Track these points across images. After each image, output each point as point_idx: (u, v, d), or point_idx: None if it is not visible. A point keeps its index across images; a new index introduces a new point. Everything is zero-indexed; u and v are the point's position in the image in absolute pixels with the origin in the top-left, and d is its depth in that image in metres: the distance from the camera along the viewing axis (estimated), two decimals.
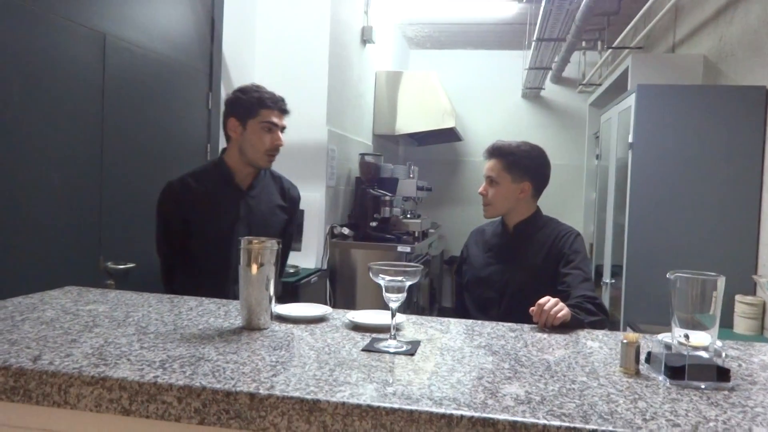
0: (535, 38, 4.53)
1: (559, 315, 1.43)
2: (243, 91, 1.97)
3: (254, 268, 1.31)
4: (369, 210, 3.94)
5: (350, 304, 3.59)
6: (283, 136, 1.99)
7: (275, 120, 1.94)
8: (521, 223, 1.96)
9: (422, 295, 4.51)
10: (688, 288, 1.12)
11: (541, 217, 2.00)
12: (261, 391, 0.93)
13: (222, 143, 3.19)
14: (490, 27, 5.53)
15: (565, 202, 6.04)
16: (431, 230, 5.06)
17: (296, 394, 0.92)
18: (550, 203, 6.94)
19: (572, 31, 4.27)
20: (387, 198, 3.95)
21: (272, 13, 3.71)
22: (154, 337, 1.21)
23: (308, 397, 0.92)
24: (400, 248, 3.71)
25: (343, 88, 4.03)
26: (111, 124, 2.33)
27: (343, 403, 0.90)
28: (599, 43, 5.00)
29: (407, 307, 3.89)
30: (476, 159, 6.34)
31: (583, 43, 5.17)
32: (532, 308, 1.47)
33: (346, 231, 3.81)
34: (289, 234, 2.17)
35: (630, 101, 3.12)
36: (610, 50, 4.80)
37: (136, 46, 2.48)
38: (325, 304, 3.59)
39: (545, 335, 1.38)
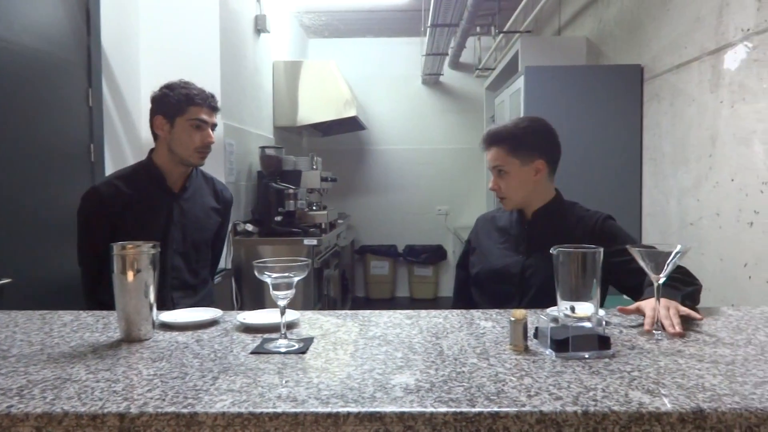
0: (429, 24, 4.58)
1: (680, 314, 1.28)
2: (170, 87, 1.88)
3: (130, 275, 1.22)
4: (273, 204, 3.84)
5: (259, 303, 3.49)
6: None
7: (205, 117, 1.87)
8: (541, 209, 1.75)
9: (333, 287, 4.48)
10: (569, 261, 1.15)
11: (563, 201, 1.79)
12: (132, 410, 0.85)
13: (110, 143, 3.02)
14: (387, 14, 5.54)
15: (469, 186, 6.20)
16: (339, 221, 5.03)
17: (171, 409, 0.86)
18: (456, 187, 7.05)
19: (465, 16, 4.36)
20: (291, 191, 3.86)
21: (156, 2, 3.50)
22: (15, 360, 1.09)
23: (185, 411, 0.85)
24: (306, 241, 3.65)
25: (237, 79, 3.89)
26: None
27: (224, 413, 0.85)
28: (492, 28, 5.13)
29: (318, 300, 3.85)
30: (381, 147, 6.36)
31: (477, 29, 5.29)
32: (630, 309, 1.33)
33: (249, 227, 3.70)
34: (222, 236, 2.13)
35: (519, 83, 3.23)
36: (501, 35, 4.95)
37: None
38: (231, 304, 3.49)
39: (441, 320, 1.38)
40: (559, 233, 1.63)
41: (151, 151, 1.94)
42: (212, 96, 1.92)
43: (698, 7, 2.58)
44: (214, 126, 1.92)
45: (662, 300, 1.27)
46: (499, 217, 1.88)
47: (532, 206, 1.76)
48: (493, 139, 1.72)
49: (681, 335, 1.20)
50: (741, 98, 2.28)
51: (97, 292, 1.84)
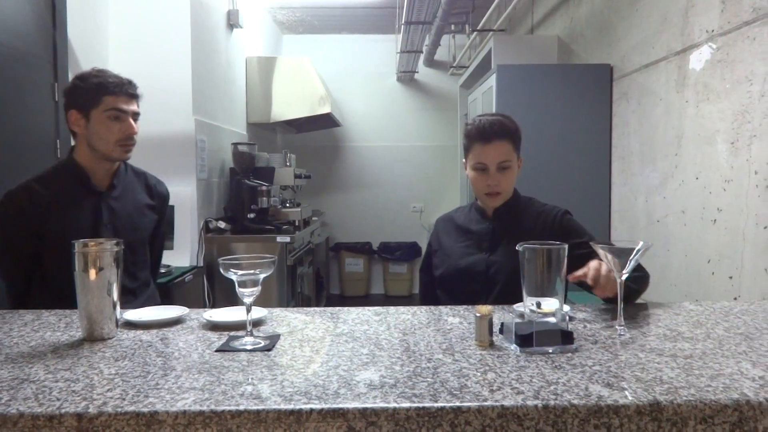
0: (404, 21, 4.58)
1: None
2: (81, 78, 1.73)
3: (93, 273, 1.20)
4: (245, 201, 3.80)
5: (232, 301, 3.46)
6: (139, 125, 1.78)
7: (123, 106, 1.72)
8: (502, 205, 1.74)
9: (307, 284, 4.47)
10: (535, 258, 1.17)
11: (521, 197, 1.80)
12: (90, 410, 0.84)
13: None
14: (361, 11, 5.53)
15: (443, 183, 6.23)
16: (313, 218, 5.01)
17: (131, 408, 0.85)
18: (431, 184, 7.07)
19: (439, 14, 4.37)
20: (264, 188, 3.84)
21: None
22: None
23: (145, 410, 0.84)
24: (279, 238, 3.63)
25: (209, 75, 3.84)
26: None
27: (185, 412, 0.84)
28: (466, 26, 5.16)
29: (291, 298, 3.83)
30: (356, 144, 6.35)
31: (452, 27, 5.31)
32: (578, 274, 1.35)
33: (222, 225, 3.66)
34: (161, 234, 2.00)
35: (492, 81, 3.25)
36: (475, 33, 4.97)
37: None
38: (203, 303, 3.46)
39: (409, 316, 1.39)
40: (521, 229, 1.68)
41: (72, 148, 1.79)
42: (129, 82, 1.76)
43: (665, 9, 2.63)
44: (135, 115, 1.76)
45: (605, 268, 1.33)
46: (456, 217, 1.86)
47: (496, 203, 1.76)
48: (502, 132, 1.67)
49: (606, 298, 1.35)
50: (705, 98, 2.33)
51: (27, 305, 1.67)
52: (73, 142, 1.82)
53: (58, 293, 1.52)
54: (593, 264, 1.37)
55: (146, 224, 1.87)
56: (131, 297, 1.77)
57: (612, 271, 1.26)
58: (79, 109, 1.72)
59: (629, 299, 1.45)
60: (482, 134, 1.67)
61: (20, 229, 1.68)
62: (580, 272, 1.37)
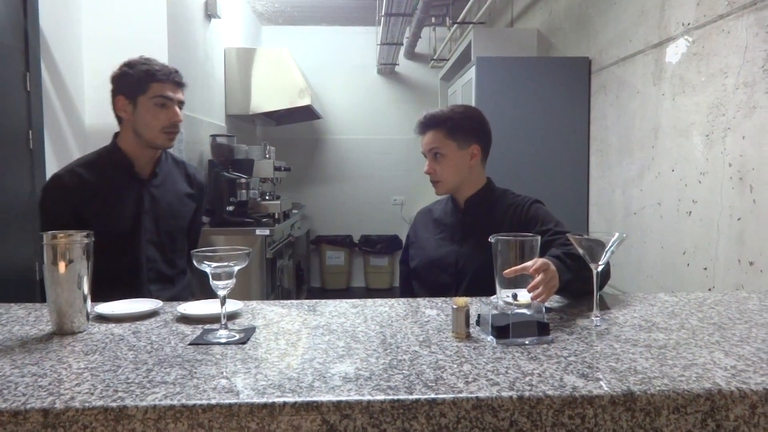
0: (383, 13, 4.56)
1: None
2: (130, 65, 1.76)
3: (62, 265, 1.17)
4: (224, 194, 3.76)
5: (210, 294, 3.42)
6: (183, 114, 1.81)
7: (169, 94, 1.74)
8: (473, 197, 1.77)
9: (287, 277, 4.44)
10: (508, 249, 1.16)
11: (495, 189, 1.81)
12: (57, 405, 0.82)
13: (50, 129, 2.90)
14: (341, 2, 5.48)
15: (424, 176, 6.21)
16: (294, 211, 4.98)
17: (100, 403, 0.83)
18: (412, 177, 7.06)
19: (419, 6, 4.35)
20: (243, 180, 3.80)
21: None
22: None
23: (114, 404, 0.82)
24: (258, 231, 3.60)
25: (187, 66, 3.78)
26: None
27: (155, 406, 0.82)
28: (446, 18, 5.15)
29: (271, 291, 3.81)
30: (337, 137, 6.32)
31: (432, 19, 5.29)
32: (509, 271, 1.19)
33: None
34: (198, 222, 1.99)
35: (471, 74, 3.25)
36: (456, 25, 4.96)
37: None
38: (187, 296, 3.41)
39: (386, 308, 1.38)
40: (492, 220, 1.70)
41: (116, 135, 1.82)
42: (176, 71, 1.80)
43: (642, 2, 2.64)
44: (180, 103, 1.79)
45: (550, 268, 1.24)
46: (435, 210, 1.89)
47: (465, 194, 1.78)
48: (431, 123, 1.75)
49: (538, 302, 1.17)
50: (681, 91, 2.35)
51: None
52: (118, 129, 1.83)
53: (102, 275, 1.43)
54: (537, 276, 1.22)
55: (185, 213, 1.90)
56: (169, 285, 1.82)
57: (550, 279, 1.21)
58: (127, 96, 1.75)
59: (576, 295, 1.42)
60: (418, 126, 1.79)
61: (65, 213, 1.69)
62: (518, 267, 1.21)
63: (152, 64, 1.76)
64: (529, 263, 1.20)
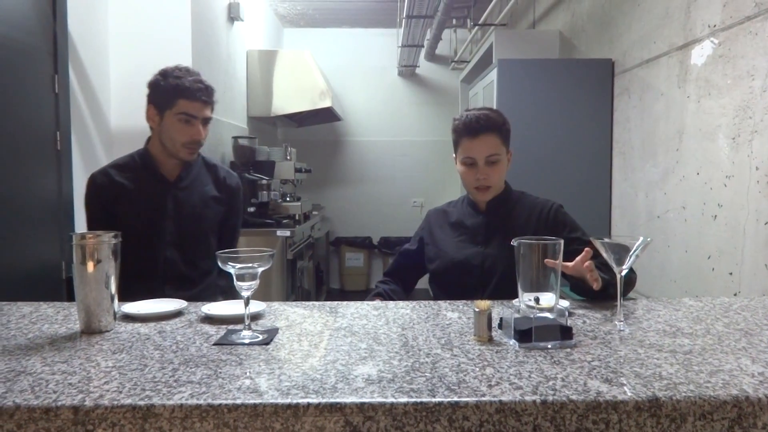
0: (405, 15, 4.56)
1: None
2: (164, 74, 1.79)
3: (90, 265, 1.19)
4: (246, 195, 3.80)
5: (235, 294, 3.46)
6: (208, 129, 1.84)
7: (194, 112, 1.76)
8: (495, 199, 1.75)
9: (307, 279, 4.46)
10: (530, 253, 1.16)
11: (512, 191, 1.80)
12: (87, 403, 0.84)
13: (77, 131, 2.95)
14: (362, 4, 5.50)
15: (443, 178, 6.21)
16: (314, 212, 5.00)
17: (128, 401, 0.84)
18: (431, 179, 7.02)
19: (441, 8, 4.35)
20: (264, 182, 3.83)
21: None
22: None
23: (141, 403, 0.84)
24: (279, 232, 3.62)
25: (210, 68, 3.83)
26: None
27: (181, 405, 0.84)
28: (468, 20, 5.13)
29: (291, 292, 3.83)
30: (357, 138, 6.34)
31: (453, 21, 5.28)
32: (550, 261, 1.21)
33: None
34: (232, 226, 1.99)
35: (493, 76, 3.23)
36: (477, 27, 4.95)
37: None
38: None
39: (408, 311, 1.38)
40: (514, 222, 1.70)
41: (148, 139, 1.88)
42: (206, 88, 1.80)
43: (667, 3, 2.61)
44: (206, 120, 1.81)
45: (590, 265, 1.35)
46: (450, 212, 1.86)
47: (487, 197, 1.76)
48: (489, 126, 1.67)
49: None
50: (707, 93, 2.32)
51: None
52: (144, 131, 1.89)
53: (126, 273, 1.41)
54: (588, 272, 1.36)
55: (210, 216, 1.91)
56: (190, 285, 1.84)
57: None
58: (156, 106, 1.80)
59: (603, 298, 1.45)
60: (469, 129, 1.68)
61: (98, 209, 1.82)
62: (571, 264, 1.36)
63: (184, 79, 1.77)
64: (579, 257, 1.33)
